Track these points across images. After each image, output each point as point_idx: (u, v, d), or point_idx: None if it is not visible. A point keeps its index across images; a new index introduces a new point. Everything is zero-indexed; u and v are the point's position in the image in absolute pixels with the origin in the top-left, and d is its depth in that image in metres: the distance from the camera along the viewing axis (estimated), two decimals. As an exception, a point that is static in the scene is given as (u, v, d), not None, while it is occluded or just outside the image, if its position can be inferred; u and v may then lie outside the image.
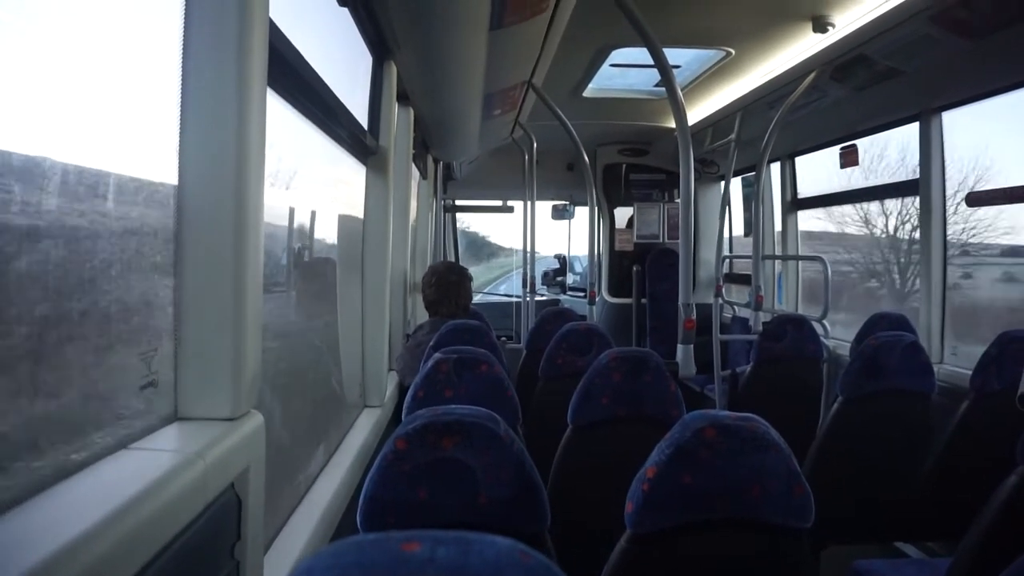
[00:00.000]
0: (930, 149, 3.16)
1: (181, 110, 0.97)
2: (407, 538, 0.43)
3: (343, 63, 2.05)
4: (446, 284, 2.94)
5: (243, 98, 0.98)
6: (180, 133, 0.97)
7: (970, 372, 2.36)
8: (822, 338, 3.46)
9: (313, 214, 2.00)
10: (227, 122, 0.97)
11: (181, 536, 0.81)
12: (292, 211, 1.78)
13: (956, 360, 3.11)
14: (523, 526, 1.15)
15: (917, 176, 3.26)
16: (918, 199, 3.28)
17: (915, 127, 3.24)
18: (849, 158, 3.81)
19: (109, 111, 0.91)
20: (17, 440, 0.74)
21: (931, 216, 3.18)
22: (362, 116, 2.29)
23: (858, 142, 3.77)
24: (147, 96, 0.99)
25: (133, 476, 0.78)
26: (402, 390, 2.75)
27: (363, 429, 2.24)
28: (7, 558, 0.60)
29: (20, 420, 0.75)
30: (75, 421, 0.83)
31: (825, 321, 3.73)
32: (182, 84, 0.97)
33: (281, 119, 1.50)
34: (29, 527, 0.66)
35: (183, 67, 0.97)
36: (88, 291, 0.86)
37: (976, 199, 2.89)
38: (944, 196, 3.18)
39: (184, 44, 0.97)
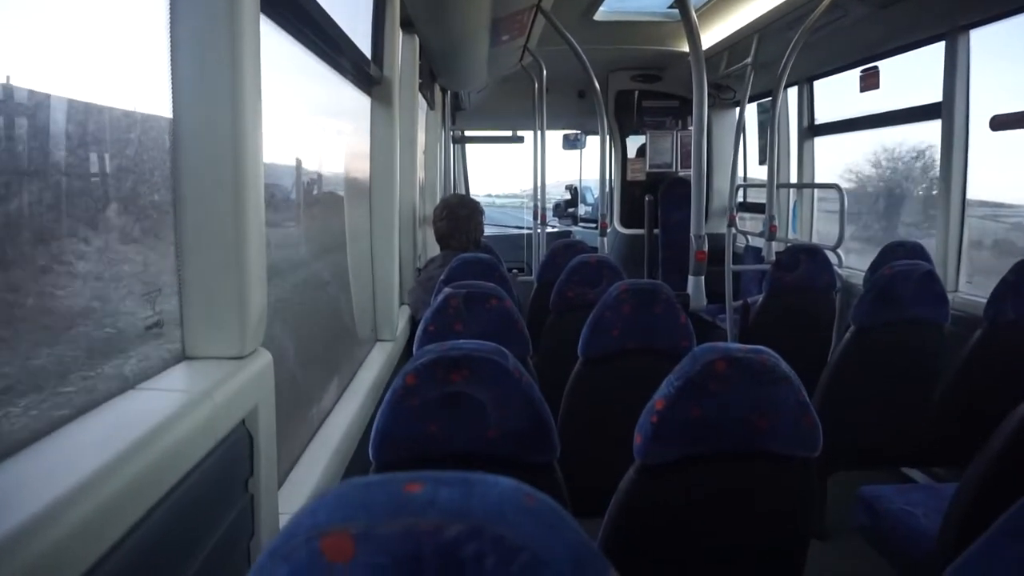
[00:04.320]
0: (955, 70, 3.03)
1: (171, 40, 0.93)
2: (410, 479, 0.43)
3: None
4: (457, 217, 2.92)
5: (235, 26, 0.93)
6: (172, 64, 0.93)
7: (984, 301, 2.32)
8: (836, 268, 3.42)
9: (318, 147, 1.96)
10: (220, 52, 0.93)
11: (194, 472, 0.82)
12: (297, 145, 1.75)
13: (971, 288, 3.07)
14: (532, 458, 1.17)
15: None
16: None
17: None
18: (869, 81, 3.67)
19: (98, 44, 0.87)
20: (23, 380, 0.74)
21: (952, 141, 3.08)
22: (364, 45, 2.21)
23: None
24: (135, 26, 0.95)
25: (143, 415, 0.79)
26: (414, 324, 2.76)
27: (375, 363, 2.26)
28: (21, 496, 0.60)
29: (26, 361, 0.75)
30: (81, 361, 0.83)
31: (839, 250, 3.68)
32: (170, 12, 0.93)
33: (278, 48, 1.45)
34: (42, 466, 0.67)
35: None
36: (88, 228, 0.84)
37: (1002, 123, 2.78)
38: (967, 121, 3.06)
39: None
